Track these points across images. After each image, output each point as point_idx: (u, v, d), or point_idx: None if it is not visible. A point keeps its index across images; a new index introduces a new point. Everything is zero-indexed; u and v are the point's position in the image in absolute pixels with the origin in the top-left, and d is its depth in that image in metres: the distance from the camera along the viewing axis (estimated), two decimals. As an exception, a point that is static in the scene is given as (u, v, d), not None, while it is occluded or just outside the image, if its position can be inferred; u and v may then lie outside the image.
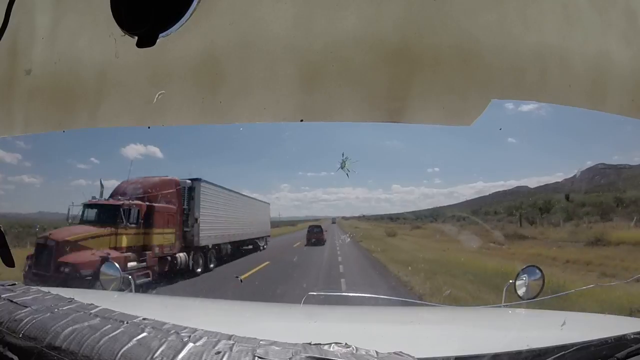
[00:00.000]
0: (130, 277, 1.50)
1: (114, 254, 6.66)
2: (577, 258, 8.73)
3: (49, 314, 0.50)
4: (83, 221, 7.53)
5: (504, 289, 1.29)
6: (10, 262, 0.83)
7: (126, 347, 0.42)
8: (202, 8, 0.63)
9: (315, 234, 10.90)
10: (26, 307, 0.52)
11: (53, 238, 6.63)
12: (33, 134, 1.04)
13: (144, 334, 0.44)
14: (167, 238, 7.88)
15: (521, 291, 1.29)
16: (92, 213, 7.60)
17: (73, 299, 0.57)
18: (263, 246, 11.90)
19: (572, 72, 0.84)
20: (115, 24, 0.60)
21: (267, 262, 9.42)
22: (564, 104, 0.87)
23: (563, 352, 0.55)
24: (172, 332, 0.45)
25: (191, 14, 0.60)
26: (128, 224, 7.25)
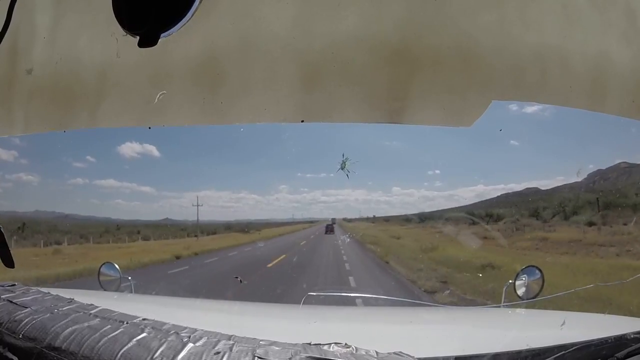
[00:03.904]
0: (129, 277, 1.50)
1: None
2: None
3: (48, 315, 0.50)
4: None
5: (504, 289, 1.29)
6: (10, 263, 0.82)
7: (126, 347, 0.42)
8: (203, 8, 0.63)
9: (330, 230, 17.95)
10: (26, 307, 0.52)
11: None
12: (32, 133, 1.04)
13: (144, 335, 0.44)
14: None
15: (521, 291, 1.29)
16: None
17: (73, 299, 0.57)
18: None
19: (572, 72, 0.84)
20: (117, 23, 0.60)
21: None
22: (564, 104, 0.87)
23: (563, 352, 0.55)
24: (171, 332, 0.45)
25: (192, 14, 0.60)
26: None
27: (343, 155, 1.33)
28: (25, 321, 0.49)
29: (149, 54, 0.73)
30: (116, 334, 0.45)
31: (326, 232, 18.10)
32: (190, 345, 0.42)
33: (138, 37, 0.60)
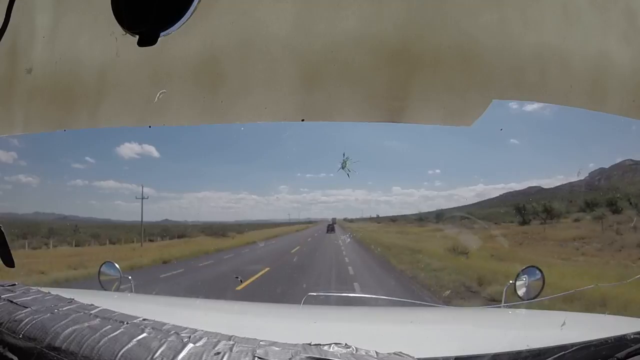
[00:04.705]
0: (130, 277, 1.50)
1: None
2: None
3: (48, 315, 0.50)
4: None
5: (504, 290, 1.29)
6: (10, 262, 0.82)
7: (126, 347, 0.42)
8: (203, 7, 0.63)
9: (331, 229, 20.29)
10: (26, 307, 0.52)
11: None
12: (31, 133, 1.04)
13: (144, 335, 0.44)
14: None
15: (521, 291, 1.29)
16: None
17: (73, 299, 0.57)
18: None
19: (572, 72, 0.84)
20: (116, 22, 0.60)
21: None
22: (564, 104, 0.87)
23: (563, 352, 0.56)
24: (172, 332, 0.45)
25: (192, 13, 0.60)
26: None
27: (344, 154, 1.32)
28: (25, 321, 0.49)
29: (148, 53, 0.73)
30: (116, 334, 0.45)
31: (327, 231, 20.71)
32: (191, 345, 0.42)
33: (138, 36, 0.60)
